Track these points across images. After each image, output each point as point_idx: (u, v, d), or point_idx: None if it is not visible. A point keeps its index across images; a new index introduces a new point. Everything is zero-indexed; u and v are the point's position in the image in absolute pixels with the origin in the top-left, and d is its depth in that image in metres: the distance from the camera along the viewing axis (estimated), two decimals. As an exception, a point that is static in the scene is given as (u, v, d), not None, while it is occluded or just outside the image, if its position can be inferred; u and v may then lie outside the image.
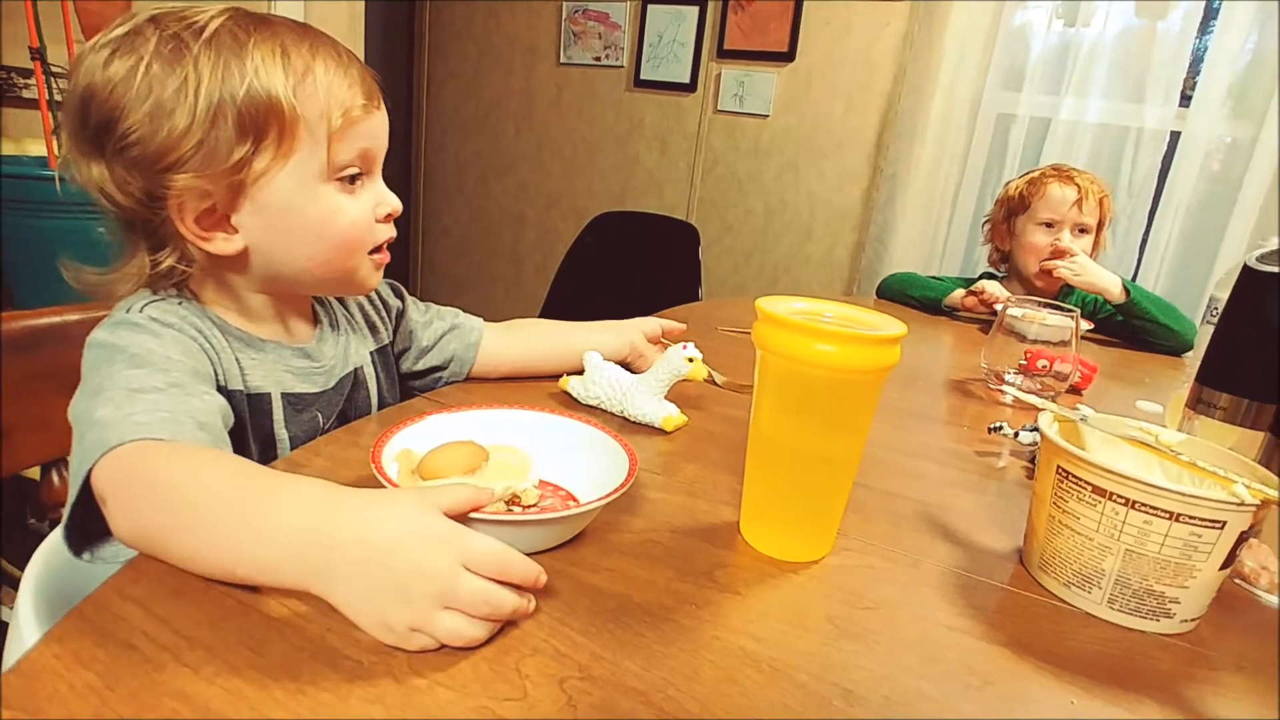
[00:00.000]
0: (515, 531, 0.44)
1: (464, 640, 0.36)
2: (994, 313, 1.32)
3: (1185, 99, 2.08)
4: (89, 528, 0.43)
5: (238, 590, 0.38)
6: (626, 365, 0.78)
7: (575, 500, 0.53)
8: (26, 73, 1.45)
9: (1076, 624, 0.45)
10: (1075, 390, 0.99)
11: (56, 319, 0.70)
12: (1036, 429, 0.70)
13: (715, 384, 0.82)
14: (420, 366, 0.77)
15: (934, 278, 1.59)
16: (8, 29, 1.42)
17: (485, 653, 0.36)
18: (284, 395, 0.60)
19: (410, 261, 3.54)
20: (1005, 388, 0.76)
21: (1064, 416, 0.52)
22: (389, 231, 0.61)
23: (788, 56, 2.60)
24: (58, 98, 1.34)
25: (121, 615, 0.35)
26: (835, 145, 2.60)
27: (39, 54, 1.28)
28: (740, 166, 2.78)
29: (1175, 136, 2.10)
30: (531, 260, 3.31)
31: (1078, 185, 1.42)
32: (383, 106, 0.59)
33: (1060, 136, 2.22)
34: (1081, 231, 1.43)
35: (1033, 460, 0.70)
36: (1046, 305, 0.95)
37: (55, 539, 0.65)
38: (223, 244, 0.54)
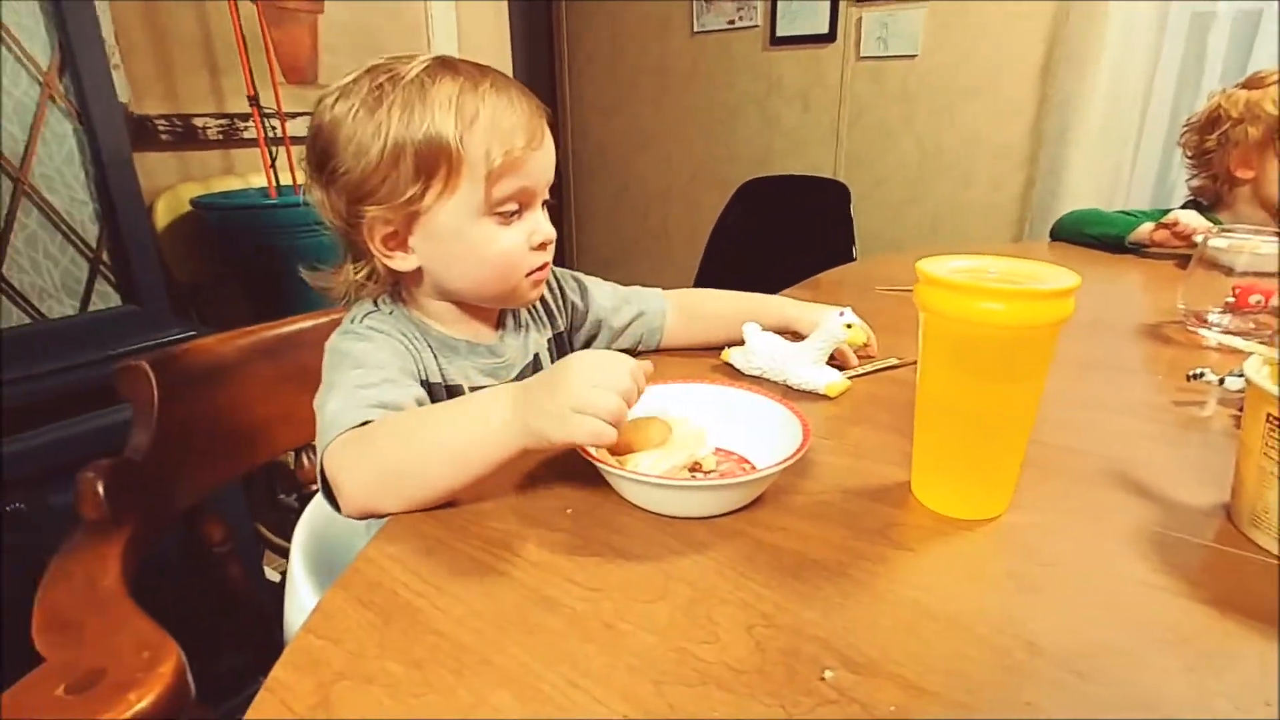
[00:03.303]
0: (705, 495, 0.48)
1: (604, 408, 0.45)
2: (1192, 247, 1.18)
3: None
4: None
5: (473, 550, 0.45)
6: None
7: (750, 465, 0.57)
8: (245, 117, 1.71)
9: (1295, 581, 0.42)
10: (1298, 327, 0.88)
11: (294, 327, 0.83)
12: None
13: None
14: (614, 348, 0.84)
15: (1120, 212, 1.44)
16: (228, 83, 1.70)
17: (678, 603, 0.40)
18: (472, 388, 0.68)
19: (563, 246, 3.71)
20: (1206, 330, 0.70)
21: (1275, 359, 0.48)
22: (543, 257, 0.65)
23: (935, -12, 2.43)
24: (269, 134, 1.55)
25: (385, 569, 0.44)
26: (992, 78, 2.40)
27: (254, 100, 1.50)
28: (888, 114, 2.64)
29: None
30: (680, 234, 3.35)
31: None
32: (547, 144, 0.62)
33: (1274, 33, 1.91)
34: None
35: (1242, 408, 0.64)
36: (1257, 232, 0.85)
37: (312, 510, 0.78)
38: (401, 262, 0.63)
